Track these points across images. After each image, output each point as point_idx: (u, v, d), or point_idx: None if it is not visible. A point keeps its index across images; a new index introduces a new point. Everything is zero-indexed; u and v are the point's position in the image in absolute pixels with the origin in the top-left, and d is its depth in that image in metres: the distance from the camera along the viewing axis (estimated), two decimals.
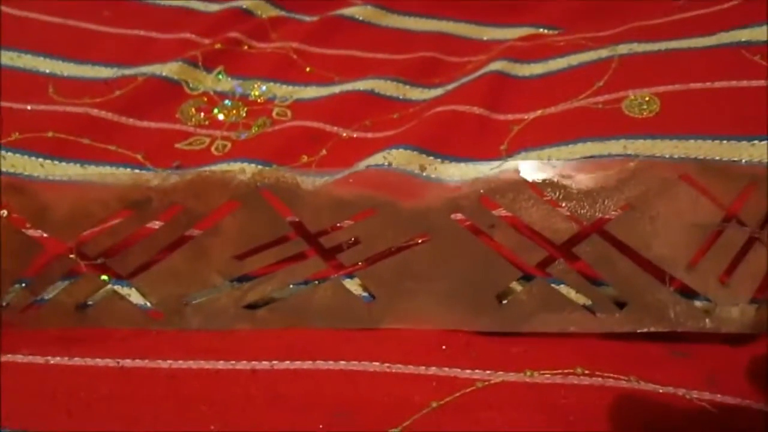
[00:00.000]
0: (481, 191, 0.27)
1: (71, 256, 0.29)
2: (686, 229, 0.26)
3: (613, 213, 0.27)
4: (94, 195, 0.29)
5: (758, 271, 0.26)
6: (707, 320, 0.25)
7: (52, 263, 0.29)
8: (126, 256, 0.29)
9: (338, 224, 0.28)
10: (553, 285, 0.27)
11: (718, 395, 0.24)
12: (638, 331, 0.26)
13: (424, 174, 0.31)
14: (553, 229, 0.27)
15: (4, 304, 0.29)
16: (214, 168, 0.36)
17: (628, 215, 0.27)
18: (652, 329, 0.26)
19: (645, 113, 0.35)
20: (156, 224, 0.29)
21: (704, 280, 0.26)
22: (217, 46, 0.45)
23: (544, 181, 0.27)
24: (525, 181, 0.27)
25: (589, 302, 0.26)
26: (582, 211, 0.27)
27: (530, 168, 0.27)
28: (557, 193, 0.27)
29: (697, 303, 0.26)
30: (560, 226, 0.27)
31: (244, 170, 0.30)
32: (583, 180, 0.27)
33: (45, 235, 0.29)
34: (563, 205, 0.27)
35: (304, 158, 0.37)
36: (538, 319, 0.26)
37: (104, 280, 0.29)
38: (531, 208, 0.27)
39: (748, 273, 0.26)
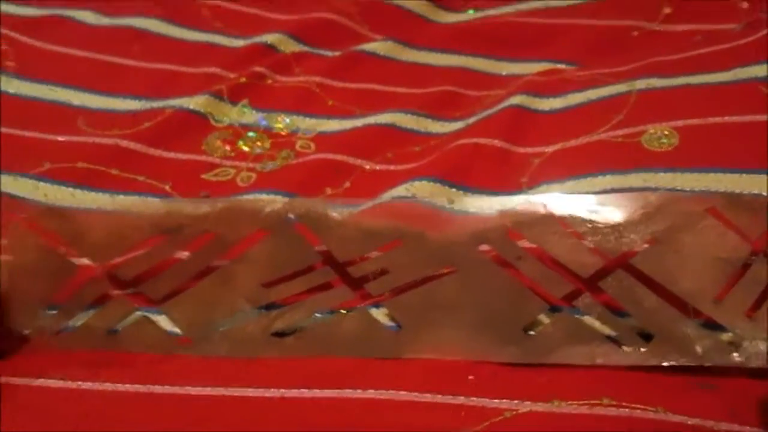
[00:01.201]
0: (508, 224, 0.28)
1: (104, 282, 0.29)
2: (712, 263, 0.27)
3: (638, 247, 0.27)
4: (129, 221, 0.30)
5: None
6: (734, 354, 0.26)
7: (85, 287, 0.29)
8: (157, 282, 0.30)
9: (366, 254, 0.28)
10: (579, 318, 0.27)
11: (747, 427, 0.24)
12: (664, 364, 0.26)
13: (448, 206, 0.32)
14: (579, 263, 0.27)
15: (37, 324, 0.29)
16: (240, 198, 0.37)
17: (654, 249, 0.27)
18: (679, 363, 0.26)
19: (664, 147, 0.36)
20: (187, 251, 0.30)
21: (731, 314, 0.26)
22: (242, 79, 0.46)
23: (570, 215, 0.27)
24: (552, 215, 0.28)
25: (615, 335, 0.26)
26: (607, 245, 0.27)
27: (557, 202, 0.28)
28: (583, 227, 0.27)
29: (724, 337, 0.26)
30: (586, 260, 0.27)
31: (274, 200, 0.30)
32: (608, 214, 0.27)
33: (82, 259, 0.30)
34: (589, 238, 0.27)
35: (328, 190, 0.38)
36: (565, 351, 0.27)
37: (134, 307, 0.29)
38: (557, 242, 0.28)
39: None
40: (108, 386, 0.27)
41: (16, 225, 0.30)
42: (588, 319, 0.27)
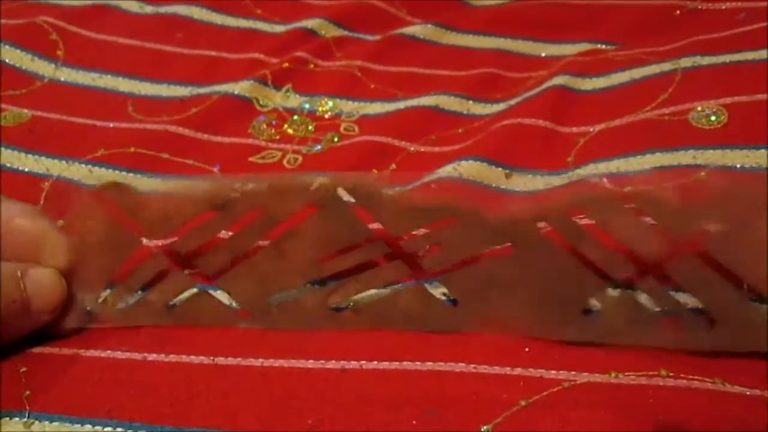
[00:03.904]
0: (568, 201, 0.27)
1: (161, 258, 0.30)
2: None
3: (707, 230, 0.26)
4: (183, 198, 0.31)
5: None
6: None
7: (143, 263, 0.30)
8: (210, 257, 0.30)
9: (420, 230, 0.29)
10: (640, 300, 0.27)
11: None
12: (732, 350, 0.26)
13: (503, 186, 0.32)
14: (641, 243, 0.26)
15: (100, 300, 0.30)
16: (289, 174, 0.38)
17: (724, 232, 0.26)
18: (746, 349, 0.25)
19: (713, 124, 0.36)
20: (238, 227, 0.30)
21: None
22: (285, 65, 0.46)
23: (633, 192, 0.26)
24: (614, 192, 0.27)
25: (678, 318, 0.26)
26: (673, 226, 0.26)
27: (619, 178, 0.27)
28: (649, 207, 0.26)
29: None
30: (650, 242, 0.26)
31: (322, 175, 0.31)
32: (675, 193, 0.26)
33: (142, 235, 0.30)
34: (653, 218, 0.26)
35: (375, 172, 0.38)
36: (626, 333, 0.26)
37: (191, 283, 0.30)
38: (619, 221, 0.26)
39: None
40: (174, 358, 0.28)
41: (82, 198, 0.31)
42: (650, 302, 0.26)
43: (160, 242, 0.30)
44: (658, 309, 0.26)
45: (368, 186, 0.30)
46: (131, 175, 0.39)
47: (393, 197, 0.29)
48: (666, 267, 0.26)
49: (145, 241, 0.31)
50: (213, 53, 0.48)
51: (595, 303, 0.27)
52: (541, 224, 0.28)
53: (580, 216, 0.27)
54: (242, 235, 0.30)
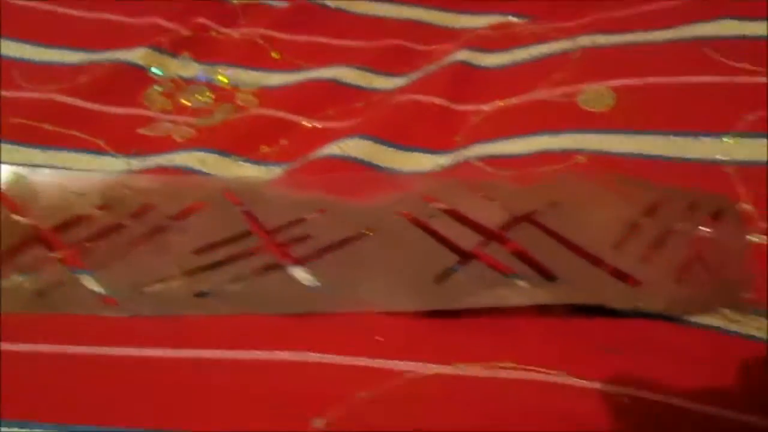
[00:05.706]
0: (423, 190, 0.30)
1: (42, 246, 0.30)
2: (610, 221, 0.29)
3: (541, 207, 0.30)
4: (77, 189, 0.32)
5: (677, 256, 0.28)
6: (637, 301, 0.27)
7: (24, 250, 0.30)
8: (94, 249, 0.30)
9: (292, 221, 0.30)
10: (487, 266, 0.28)
11: (644, 391, 0.24)
12: (572, 302, 0.27)
13: (378, 164, 0.34)
14: (488, 219, 0.30)
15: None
16: (173, 156, 0.37)
17: (556, 208, 0.30)
18: (585, 302, 0.27)
19: (600, 107, 0.35)
20: (128, 221, 0.31)
21: (629, 260, 0.28)
22: (185, 32, 0.45)
23: (481, 182, 0.30)
24: (463, 182, 0.30)
25: (523, 278, 0.28)
26: (514, 206, 0.29)
27: (472, 166, 0.30)
28: (493, 192, 0.29)
29: (627, 285, 0.28)
30: (495, 217, 0.30)
31: (215, 179, 0.33)
32: (517, 180, 0.29)
33: (31, 223, 0.31)
34: (497, 201, 0.29)
35: (264, 149, 0.38)
36: (476, 296, 0.28)
37: (67, 270, 0.30)
38: (468, 202, 0.30)
39: (668, 258, 0.28)
40: (28, 347, 0.27)
41: None
42: (496, 267, 0.28)
43: (46, 231, 0.31)
44: (503, 273, 0.28)
45: (252, 187, 0.32)
46: (9, 146, 0.37)
47: (272, 196, 0.31)
48: (507, 234, 0.29)
49: (32, 229, 0.31)
50: (112, 17, 0.46)
51: (446, 273, 0.29)
52: (399, 208, 0.30)
53: (434, 200, 0.30)
54: (130, 229, 0.31)
